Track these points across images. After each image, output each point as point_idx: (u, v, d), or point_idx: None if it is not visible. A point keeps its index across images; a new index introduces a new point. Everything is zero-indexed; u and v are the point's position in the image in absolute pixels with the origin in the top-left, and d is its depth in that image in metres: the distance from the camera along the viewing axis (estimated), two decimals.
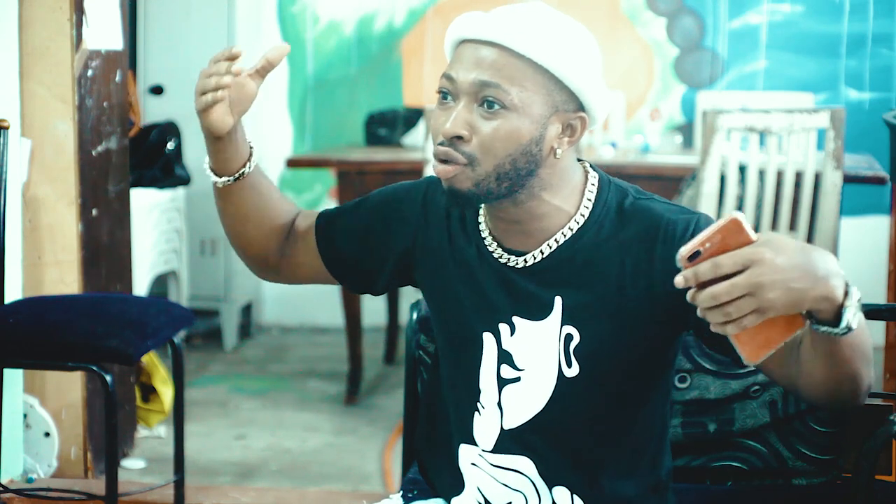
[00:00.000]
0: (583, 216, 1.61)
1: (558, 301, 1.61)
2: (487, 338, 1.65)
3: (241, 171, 1.74)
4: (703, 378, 1.89)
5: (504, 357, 1.64)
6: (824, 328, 1.35)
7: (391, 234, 1.73)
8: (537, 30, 1.54)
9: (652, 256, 1.57)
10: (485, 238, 1.66)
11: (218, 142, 1.73)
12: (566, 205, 1.61)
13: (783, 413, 1.89)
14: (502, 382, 1.65)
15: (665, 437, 1.72)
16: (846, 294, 1.33)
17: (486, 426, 1.67)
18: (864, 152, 4.61)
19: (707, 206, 3.75)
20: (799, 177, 3.82)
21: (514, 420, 1.65)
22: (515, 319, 1.63)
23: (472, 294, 1.65)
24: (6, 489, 3.11)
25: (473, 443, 1.68)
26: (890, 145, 3.20)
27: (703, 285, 1.29)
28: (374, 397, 4.42)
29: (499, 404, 1.65)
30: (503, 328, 1.64)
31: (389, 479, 3.58)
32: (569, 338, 1.61)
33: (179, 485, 2.97)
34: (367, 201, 1.77)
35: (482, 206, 1.66)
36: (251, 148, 1.75)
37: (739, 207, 3.80)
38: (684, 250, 1.30)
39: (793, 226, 3.86)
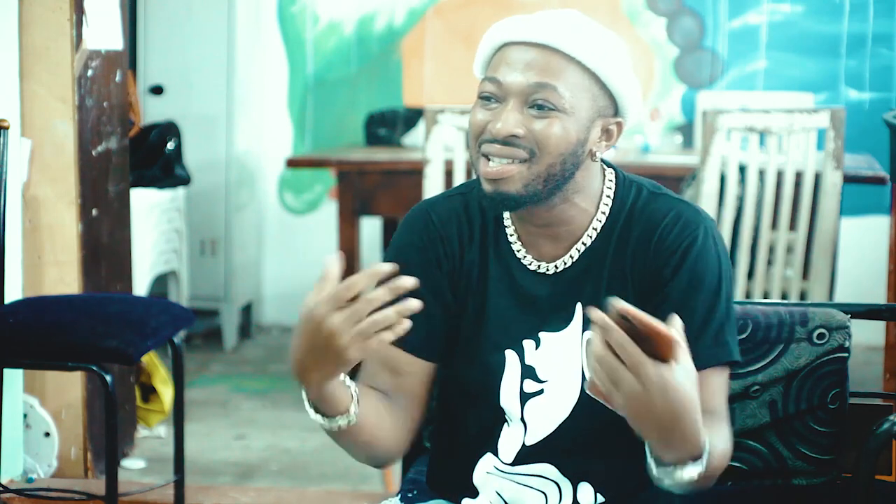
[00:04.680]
0: (604, 214, 1.64)
1: (579, 308, 1.62)
2: (510, 355, 1.64)
3: (350, 408, 1.53)
4: None
5: (527, 372, 1.64)
6: (649, 459, 1.44)
7: (426, 267, 1.66)
8: (585, 34, 1.57)
9: (649, 257, 1.61)
10: (514, 245, 1.66)
11: (324, 391, 1.50)
12: (590, 206, 1.64)
13: (783, 413, 1.89)
14: (525, 397, 1.64)
15: None
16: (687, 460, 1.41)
17: (509, 440, 1.66)
18: (864, 152, 4.61)
19: (707, 206, 3.75)
20: (799, 177, 3.82)
21: (538, 434, 1.65)
22: (542, 334, 1.64)
23: (496, 314, 1.65)
24: (6, 489, 3.11)
25: (495, 453, 1.68)
26: (890, 145, 3.20)
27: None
28: None
29: (522, 419, 1.65)
30: (527, 344, 1.64)
31: (389, 479, 3.58)
32: (591, 343, 1.62)
33: (179, 485, 2.97)
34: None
35: (511, 218, 1.66)
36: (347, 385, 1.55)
37: (739, 207, 3.80)
38: (623, 307, 1.33)
39: (793, 226, 3.86)
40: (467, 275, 1.66)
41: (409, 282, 1.37)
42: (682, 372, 1.33)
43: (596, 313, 1.33)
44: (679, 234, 1.59)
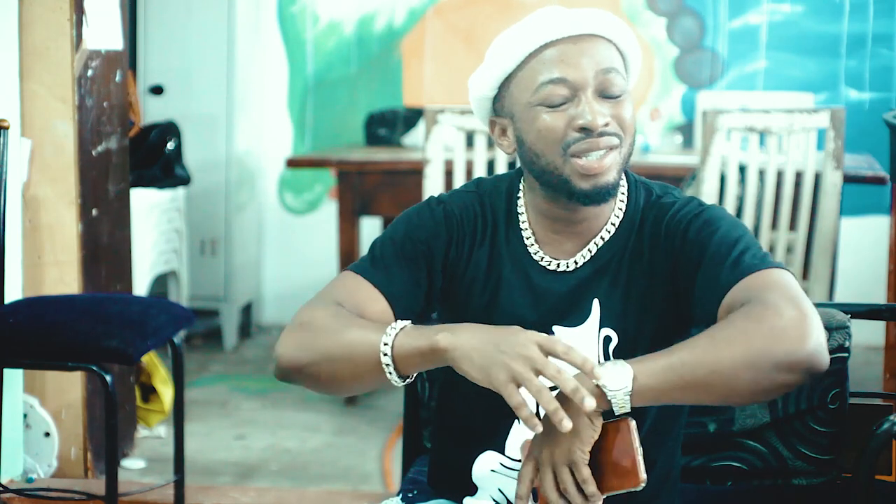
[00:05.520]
0: (620, 210, 1.66)
1: (596, 304, 1.63)
2: None
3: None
4: None
5: None
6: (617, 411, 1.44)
7: (428, 254, 1.67)
8: (609, 16, 1.61)
9: (661, 240, 1.62)
10: (530, 247, 1.67)
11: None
12: (612, 200, 1.65)
13: (783, 413, 1.89)
14: None
15: (682, 431, 1.73)
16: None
17: (520, 437, 1.66)
18: (864, 152, 4.61)
19: None
20: (799, 177, 3.82)
21: None
22: (555, 328, 1.64)
23: (510, 311, 1.65)
24: (6, 489, 3.11)
25: (501, 451, 1.68)
26: (890, 145, 3.20)
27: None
28: (374, 397, 4.42)
29: (537, 414, 1.65)
30: None
31: (389, 479, 3.58)
32: (607, 340, 1.63)
33: (179, 485, 2.97)
34: (390, 244, 1.68)
35: (527, 218, 1.68)
36: None
37: (739, 207, 3.80)
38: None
39: (793, 226, 3.86)
40: (474, 270, 1.67)
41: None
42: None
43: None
44: (686, 212, 1.62)
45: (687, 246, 1.58)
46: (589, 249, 1.65)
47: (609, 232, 1.65)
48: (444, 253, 1.67)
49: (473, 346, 1.43)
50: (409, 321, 1.51)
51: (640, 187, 1.68)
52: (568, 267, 1.65)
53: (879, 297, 4.20)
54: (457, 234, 1.68)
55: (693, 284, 1.56)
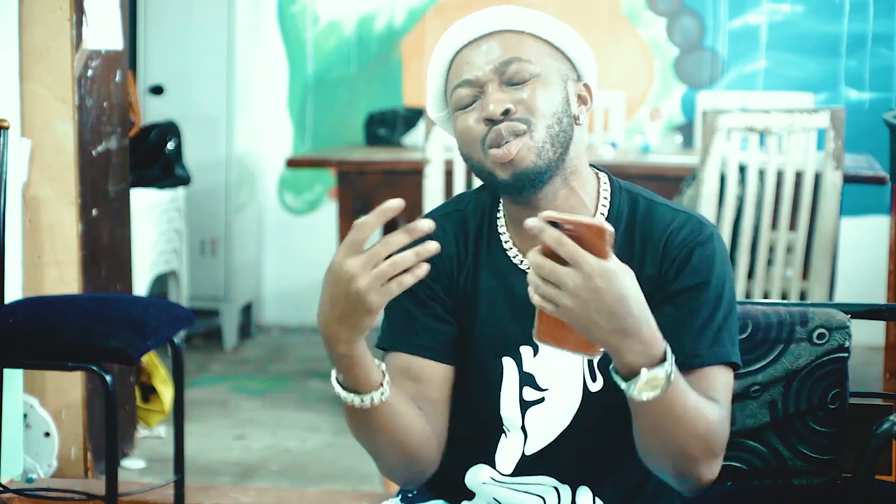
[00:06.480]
0: (602, 216, 1.63)
1: None
2: (508, 363, 1.63)
3: (383, 383, 1.50)
4: None
5: (526, 379, 1.63)
6: (615, 377, 1.42)
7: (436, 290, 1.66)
8: (523, 10, 1.63)
9: (657, 260, 1.60)
10: (510, 251, 1.65)
11: (354, 355, 1.47)
12: (589, 202, 1.63)
13: (783, 413, 1.89)
14: (525, 405, 1.63)
15: None
16: (649, 365, 1.39)
17: (507, 451, 1.65)
18: (864, 152, 4.61)
19: (707, 206, 3.75)
20: (799, 177, 3.82)
21: (539, 442, 1.64)
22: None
23: (492, 322, 1.64)
24: (6, 489, 3.11)
25: (492, 465, 1.67)
26: (890, 145, 3.20)
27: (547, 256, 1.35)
28: None
29: (522, 428, 1.64)
30: (525, 350, 1.63)
31: None
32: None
33: (179, 485, 2.97)
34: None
35: (506, 225, 1.66)
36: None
37: (739, 207, 3.80)
38: (550, 214, 1.34)
39: (793, 226, 3.86)
40: (462, 286, 1.66)
41: (427, 224, 1.37)
42: (617, 261, 1.35)
43: (529, 221, 1.34)
44: (687, 236, 1.59)
45: (685, 274, 1.57)
46: None
47: None
48: (445, 275, 1.66)
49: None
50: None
51: (623, 193, 1.66)
52: None
53: (879, 297, 4.20)
54: (445, 262, 1.65)
55: (670, 310, 1.56)
